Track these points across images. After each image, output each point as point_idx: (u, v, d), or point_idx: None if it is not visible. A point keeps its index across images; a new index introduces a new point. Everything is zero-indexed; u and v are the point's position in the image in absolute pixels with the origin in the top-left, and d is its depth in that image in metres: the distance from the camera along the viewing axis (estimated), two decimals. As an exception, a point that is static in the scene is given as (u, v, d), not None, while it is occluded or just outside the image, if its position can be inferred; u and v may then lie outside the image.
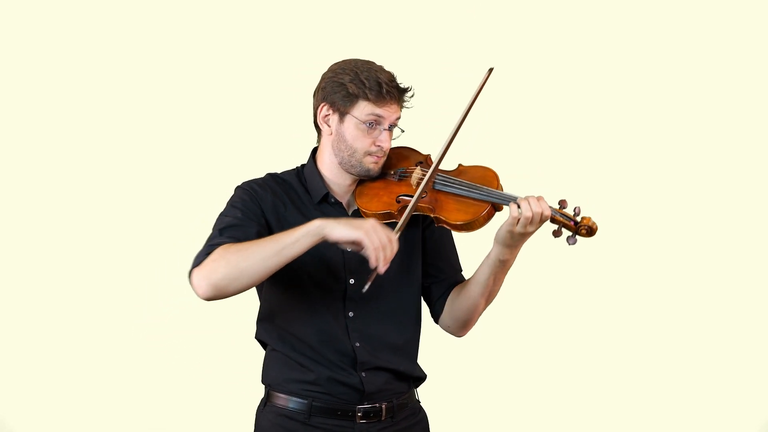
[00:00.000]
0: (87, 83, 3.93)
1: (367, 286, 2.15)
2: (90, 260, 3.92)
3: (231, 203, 2.32)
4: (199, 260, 2.16)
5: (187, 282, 2.18)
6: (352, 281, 2.32)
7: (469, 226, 2.25)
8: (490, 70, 2.28)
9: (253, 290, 2.34)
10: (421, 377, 2.44)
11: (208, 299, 2.15)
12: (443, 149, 2.27)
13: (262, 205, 2.31)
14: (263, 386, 2.39)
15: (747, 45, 4.01)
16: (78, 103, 3.94)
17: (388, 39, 3.87)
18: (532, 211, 2.16)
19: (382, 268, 2.10)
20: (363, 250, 2.09)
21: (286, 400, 2.33)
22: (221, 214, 2.30)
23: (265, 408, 2.37)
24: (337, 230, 2.10)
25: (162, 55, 3.95)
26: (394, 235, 2.12)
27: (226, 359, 3.77)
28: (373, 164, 2.31)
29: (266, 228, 2.28)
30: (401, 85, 2.29)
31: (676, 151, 4.05)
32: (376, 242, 2.08)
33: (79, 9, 3.91)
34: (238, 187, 2.36)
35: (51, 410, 3.89)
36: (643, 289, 4.02)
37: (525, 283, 3.81)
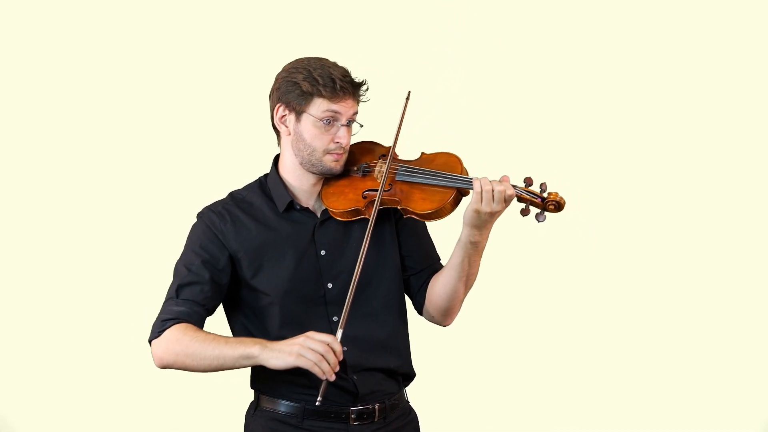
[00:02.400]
0: (61, 91, 3.96)
1: (320, 399, 2.14)
2: (89, 261, 3.94)
3: (190, 246, 2.33)
4: (154, 334, 2.25)
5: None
6: (330, 285, 2.31)
7: (437, 214, 2.24)
8: (408, 94, 2.29)
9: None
10: (410, 375, 2.43)
11: (162, 369, 2.28)
12: (393, 144, 2.27)
13: (223, 238, 2.32)
14: (252, 391, 2.39)
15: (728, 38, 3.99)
16: (56, 108, 3.97)
17: (347, 34, 3.87)
18: (493, 187, 2.16)
19: (331, 377, 2.12)
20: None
21: (277, 404, 2.32)
22: (180, 261, 2.32)
23: (255, 412, 2.36)
24: (272, 361, 2.14)
25: (143, 59, 3.96)
26: (331, 337, 2.12)
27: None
28: (333, 162, 2.30)
29: (225, 264, 2.30)
30: (356, 80, 2.27)
31: (672, 143, 4.02)
32: (313, 357, 2.11)
33: (64, 12, 3.93)
34: (198, 217, 2.36)
35: (52, 409, 3.92)
36: (643, 288, 3.99)
37: (512, 279, 3.83)
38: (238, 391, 2.63)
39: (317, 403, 2.14)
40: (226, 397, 3.30)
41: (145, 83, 3.94)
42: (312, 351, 2.11)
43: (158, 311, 2.29)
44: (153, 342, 2.26)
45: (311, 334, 2.13)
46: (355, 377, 2.30)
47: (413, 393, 2.47)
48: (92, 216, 3.95)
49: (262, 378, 2.35)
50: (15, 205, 3.94)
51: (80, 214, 3.96)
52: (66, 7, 3.92)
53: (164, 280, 2.38)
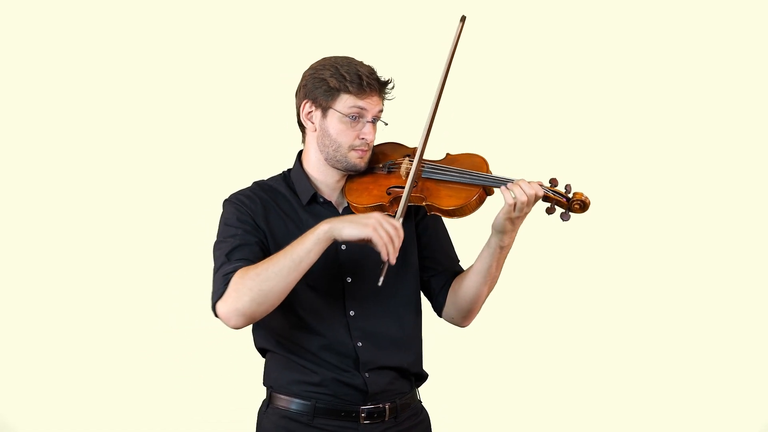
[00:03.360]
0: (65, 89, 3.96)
1: (381, 279, 2.15)
2: (90, 261, 3.93)
3: (224, 222, 2.31)
4: (219, 292, 2.18)
5: (211, 313, 2.20)
6: (349, 279, 2.32)
7: (461, 211, 2.25)
8: (463, 18, 2.30)
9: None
10: (423, 375, 2.44)
11: (240, 328, 2.19)
12: (425, 133, 2.28)
13: (254, 216, 2.31)
14: (265, 388, 2.38)
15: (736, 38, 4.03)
16: (59, 107, 3.97)
17: (370, 37, 3.89)
18: (526, 194, 2.17)
19: (393, 259, 2.12)
20: (372, 245, 2.12)
21: (288, 402, 2.32)
22: (218, 240, 2.29)
23: (267, 410, 2.36)
24: (346, 230, 2.13)
25: (153, 58, 3.97)
26: (398, 223, 2.14)
27: (226, 360, 3.77)
28: (358, 159, 2.31)
29: (264, 237, 2.29)
30: (381, 78, 2.30)
31: (677, 142, 4.05)
32: (385, 236, 2.11)
33: (69, 10, 3.94)
34: (226, 202, 2.35)
35: (51, 410, 3.91)
36: (644, 289, 4.02)
37: (526, 282, 3.83)
38: (251, 388, 2.63)
39: (379, 284, 2.15)
40: (238, 395, 3.30)
41: (170, 83, 3.96)
42: (384, 230, 2.12)
43: (212, 285, 2.23)
44: (218, 303, 2.18)
45: (381, 217, 2.14)
46: (367, 375, 2.30)
47: (425, 393, 2.48)
48: (92, 218, 3.95)
49: (275, 376, 2.36)
50: (14, 204, 3.94)
51: (79, 217, 3.95)
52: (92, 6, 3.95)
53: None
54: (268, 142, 3.53)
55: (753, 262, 4.02)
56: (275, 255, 2.17)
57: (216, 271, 2.24)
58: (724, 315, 4.01)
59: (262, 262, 2.17)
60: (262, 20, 3.98)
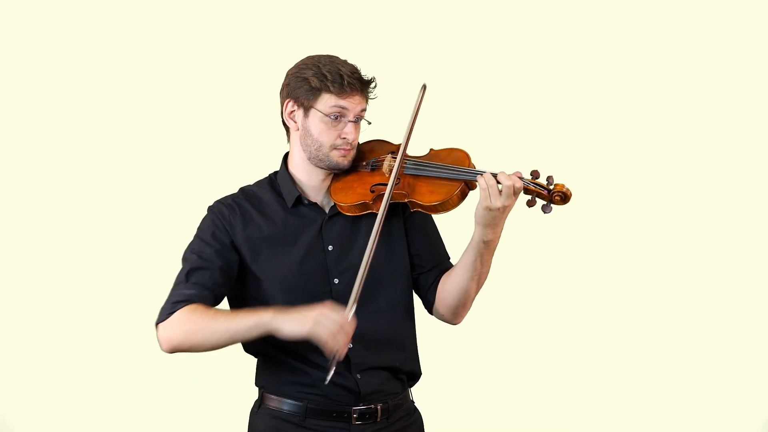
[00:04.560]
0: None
1: (329, 377, 2.16)
2: (89, 261, 3.95)
3: (199, 235, 2.34)
4: (163, 316, 2.25)
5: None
6: (336, 281, 2.32)
7: (443, 206, 2.25)
8: (424, 87, 2.30)
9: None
10: (416, 374, 2.44)
11: (171, 353, 2.27)
12: (407, 135, 2.28)
13: (231, 230, 2.33)
14: (257, 388, 2.39)
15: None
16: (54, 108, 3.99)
17: (356, 32, 3.90)
18: (500, 182, 2.17)
19: (341, 354, 2.13)
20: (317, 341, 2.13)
21: (280, 402, 2.33)
22: (188, 249, 2.34)
23: (259, 410, 2.37)
24: (286, 326, 2.15)
25: (157, 60, 3.99)
26: (348, 313, 2.14)
27: (219, 361, 3.75)
28: (341, 158, 2.31)
29: (234, 255, 2.31)
30: (364, 77, 2.30)
31: (678, 139, 4.03)
32: (327, 331, 2.12)
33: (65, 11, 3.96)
34: (208, 209, 2.38)
35: (51, 410, 3.92)
36: (643, 288, 4.00)
37: (519, 279, 3.83)
38: (243, 388, 2.63)
39: (326, 383, 2.15)
40: (230, 395, 3.30)
41: (161, 83, 3.97)
42: (327, 325, 2.12)
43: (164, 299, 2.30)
44: (160, 325, 2.26)
45: (326, 310, 2.14)
46: (358, 376, 2.31)
47: (418, 393, 2.48)
48: (92, 218, 3.97)
49: (267, 376, 2.36)
50: (14, 203, 3.96)
51: (79, 216, 3.97)
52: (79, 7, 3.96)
53: (166, 280, 2.39)
54: (267, 140, 3.54)
55: (751, 261, 4.00)
56: (222, 315, 2.22)
57: (174, 285, 2.30)
58: (724, 315, 4.00)
59: (209, 314, 2.22)
60: (258, 19, 3.99)
